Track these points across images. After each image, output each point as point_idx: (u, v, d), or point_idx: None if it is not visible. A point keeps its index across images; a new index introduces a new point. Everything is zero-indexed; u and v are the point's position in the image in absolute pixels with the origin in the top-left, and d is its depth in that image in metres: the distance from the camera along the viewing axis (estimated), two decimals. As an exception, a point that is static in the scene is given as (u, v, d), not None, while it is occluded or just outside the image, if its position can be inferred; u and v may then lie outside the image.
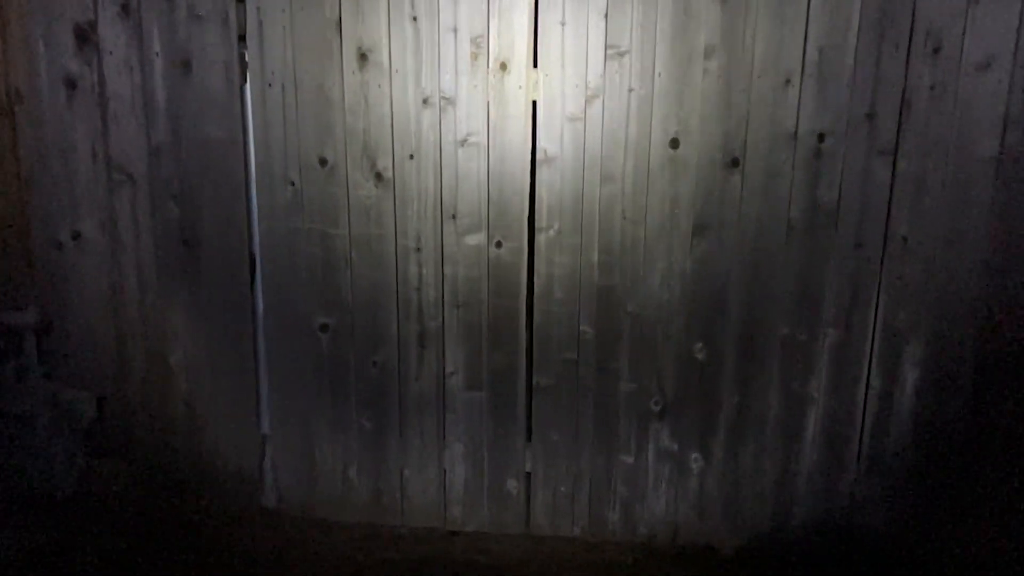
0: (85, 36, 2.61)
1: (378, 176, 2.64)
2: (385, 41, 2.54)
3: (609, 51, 2.49)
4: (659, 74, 2.49)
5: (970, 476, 2.66)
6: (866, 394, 2.66)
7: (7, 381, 2.35)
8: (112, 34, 2.61)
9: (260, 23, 2.56)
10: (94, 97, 2.66)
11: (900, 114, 2.45)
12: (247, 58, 2.60)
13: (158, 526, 2.81)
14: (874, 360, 2.63)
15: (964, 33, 2.38)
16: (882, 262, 2.56)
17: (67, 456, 2.42)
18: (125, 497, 2.83)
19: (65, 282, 2.76)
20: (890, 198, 2.51)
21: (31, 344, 2.46)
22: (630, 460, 2.79)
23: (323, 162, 2.65)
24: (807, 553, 2.77)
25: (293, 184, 2.67)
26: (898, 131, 2.46)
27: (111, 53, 2.62)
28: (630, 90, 2.51)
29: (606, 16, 2.46)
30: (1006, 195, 2.46)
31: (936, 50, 2.40)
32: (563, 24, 2.48)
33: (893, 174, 2.49)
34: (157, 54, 2.62)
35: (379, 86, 2.57)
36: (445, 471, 2.87)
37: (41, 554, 2.55)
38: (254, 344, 2.83)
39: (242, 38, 2.59)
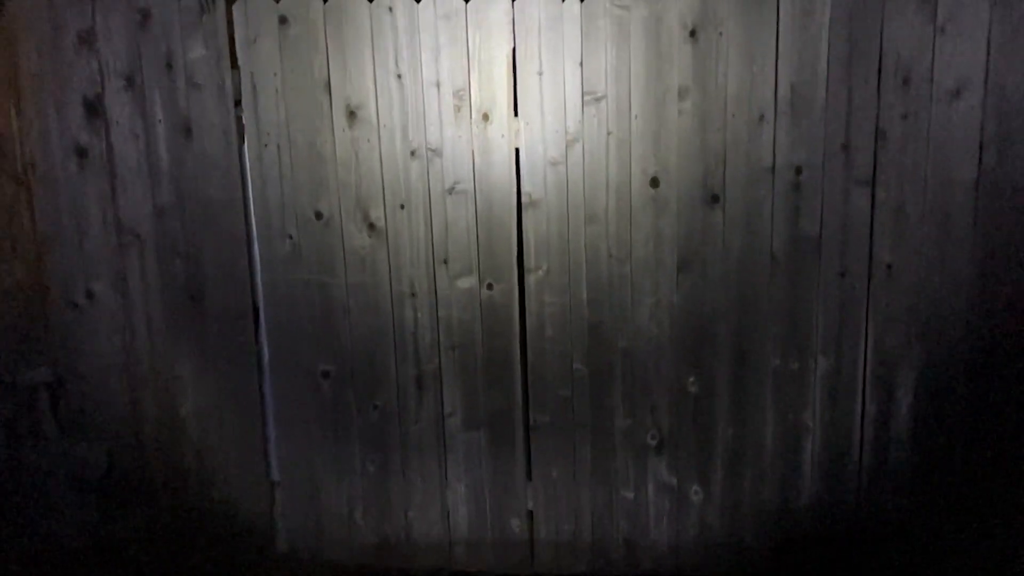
0: (93, 108, 2.77)
1: (371, 226, 2.74)
2: (372, 98, 2.66)
3: (586, 97, 2.58)
4: (635, 116, 2.57)
5: (972, 494, 2.63)
6: (862, 420, 2.66)
7: (22, 438, 2.47)
8: (118, 105, 2.77)
9: (254, 87, 2.70)
10: (103, 164, 2.81)
11: (875, 144, 2.49)
12: (243, 121, 2.74)
13: (177, 573, 2.90)
14: (867, 386, 2.64)
15: (932, 62, 2.42)
16: (868, 289, 2.58)
17: (80, 509, 2.53)
18: (139, 548, 2.92)
19: (79, 340, 2.89)
20: (871, 226, 2.54)
21: (44, 401, 2.58)
22: (630, 495, 2.82)
23: (319, 216, 2.76)
24: (814, 584, 2.76)
25: (291, 238, 2.79)
26: (874, 161, 2.50)
27: (118, 123, 2.78)
28: (608, 133, 2.59)
29: (581, 64, 2.56)
30: (986, 217, 2.47)
31: (906, 80, 2.44)
32: (540, 74, 2.58)
33: (872, 203, 2.52)
34: (160, 121, 2.76)
35: (368, 141, 2.69)
36: (448, 511, 2.91)
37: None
38: (260, 392, 2.93)
39: (238, 103, 2.72)
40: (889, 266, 2.55)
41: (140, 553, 2.90)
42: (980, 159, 2.45)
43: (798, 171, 2.53)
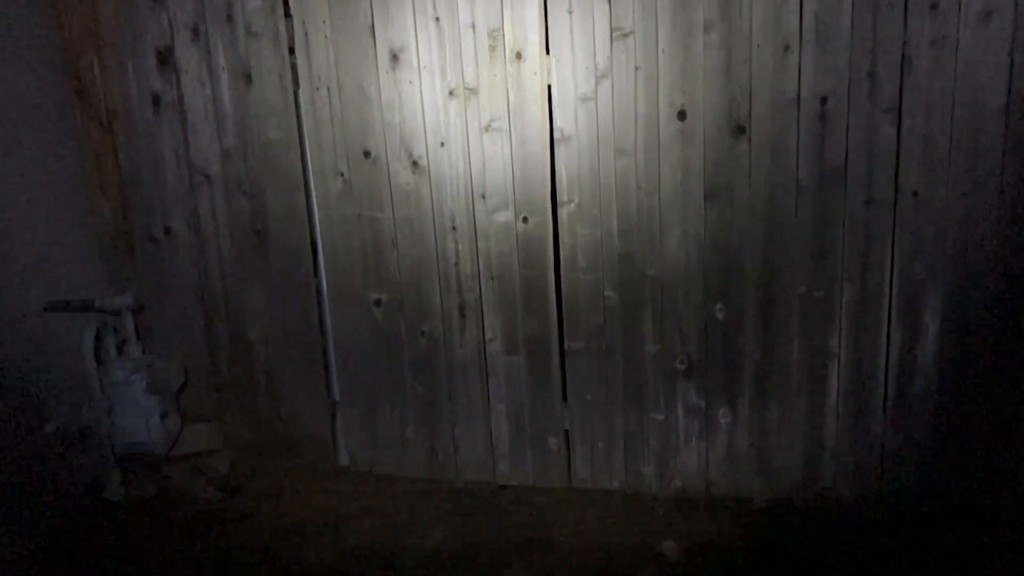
0: (165, 58, 3.04)
1: (414, 164, 2.93)
2: (413, 41, 2.83)
3: (614, 33, 2.67)
4: (663, 51, 2.65)
5: (998, 421, 2.67)
6: (888, 346, 2.72)
7: (111, 353, 2.81)
8: (186, 55, 3.03)
9: (306, 35, 2.90)
10: (175, 110, 3.09)
11: (901, 71, 2.50)
12: (297, 67, 2.95)
13: (247, 480, 3.24)
14: (893, 313, 2.69)
15: (961, -14, 2.41)
16: (894, 217, 2.61)
17: (161, 418, 2.86)
18: (214, 455, 3.26)
19: (158, 270, 3.22)
20: (897, 154, 2.56)
21: (129, 322, 2.91)
22: (661, 417, 2.97)
23: (367, 154, 2.96)
24: (838, 503, 2.86)
25: (343, 175, 3.01)
26: (900, 88, 2.51)
27: (186, 71, 3.04)
28: (636, 68, 2.68)
29: (609, 1, 2.65)
30: (1017, 144, 2.47)
31: (934, 5, 2.44)
32: (570, 12, 2.68)
33: (899, 130, 2.55)
34: (223, 69, 3.01)
35: (410, 82, 2.86)
36: (491, 430, 3.14)
37: (147, 502, 3.02)
38: (320, 320, 3.20)
39: (291, 50, 2.94)
40: (915, 193, 2.58)
41: (215, 460, 3.24)
42: (1010, 85, 2.44)
43: (823, 100, 2.57)
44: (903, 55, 2.49)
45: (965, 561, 2.53)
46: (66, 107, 3.09)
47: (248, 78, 3.00)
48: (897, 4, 2.46)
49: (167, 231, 3.20)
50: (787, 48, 2.56)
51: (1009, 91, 2.44)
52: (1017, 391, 2.63)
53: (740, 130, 2.65)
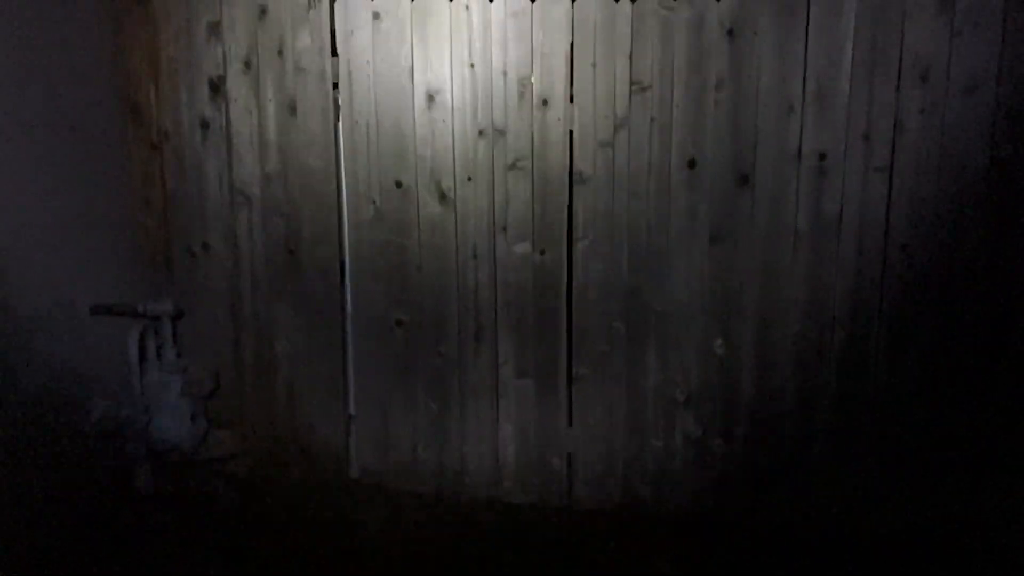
0: (216, 87, 3.29)
1: (443, 196, 3.16)
2: (448, 84, 3.08)
3: (633, 87, 2.93)
4: (677, 105, 2.90)
5: (971, 473, 2.86)
6: (874, 384, 2.92)
7: (150, 355, 3.00)
8: (236, 85, 3.28)
9: (350, 73, 3.16)
10: (222, 135, 3.33)
11: (893, 135, 2.75)
12: (339, 102, 3.20)
13: (262, 487, 3.41)
14: (878, 354, 2.90)
15: (949, 61, 2.67)
16: (883, 267, 2.84)
17: (192, 420, 3.04)
18: (234, 460, 3.43)
19: (195, 282, 3.43)
20: (888, 210, 2.80)
21: (167, 327, 3.11)
22: (659, 443, 3.15)
23: (399, 185, 3.20)
24: (826, 531, 3.03)
25: (375, 203, 3.24)
26: (892, 150, 2.76)
27: (235, 100, 3.29)
28: (652, 119, 2.93)
29: (630, 57, 2.91)
30: (996, 206, 2.71)
31: (924, 77, 2.70)
32: (594, 65, 2.94)
33: (890, 188, 2.79)
34: (270, 100, 3.26)
35: (443, 121, 3.11)
36: (498, 449, 3.32)
37: (172, 498, 3.19)
38: (343, 336, 3.40)
39: (335, 86, 3.19)
40: (904, 247, 2.81)
41: (236, 464, 3.41)
42: (992, 153, 2.68)
43: (822, 157, 2.82)
44: (896, 120, 2.74)
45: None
46: (119, 126, 3.33)
47: (293, 110, 3.24)
48: (891, 73, 2.72)
49: (205, 246, 3.42)
50: (791, 108, 2.81)
51: (991, 159, 2.69)
52: (994, 446, 2.83)
53: (744, 180, 2.89)
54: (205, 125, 3.34)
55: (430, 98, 3.11)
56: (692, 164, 2.93)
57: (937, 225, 2.77)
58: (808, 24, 2.76)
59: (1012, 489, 2.84)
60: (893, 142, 2.76)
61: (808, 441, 3.01)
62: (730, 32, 2.82)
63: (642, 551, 2.97)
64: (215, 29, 3.25)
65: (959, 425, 2.87)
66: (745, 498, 3.10)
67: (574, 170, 3.04)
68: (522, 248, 3.14)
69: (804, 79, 2.79)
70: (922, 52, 2.69)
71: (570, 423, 3.24)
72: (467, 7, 3.01)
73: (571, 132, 3.02)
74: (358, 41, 3.13)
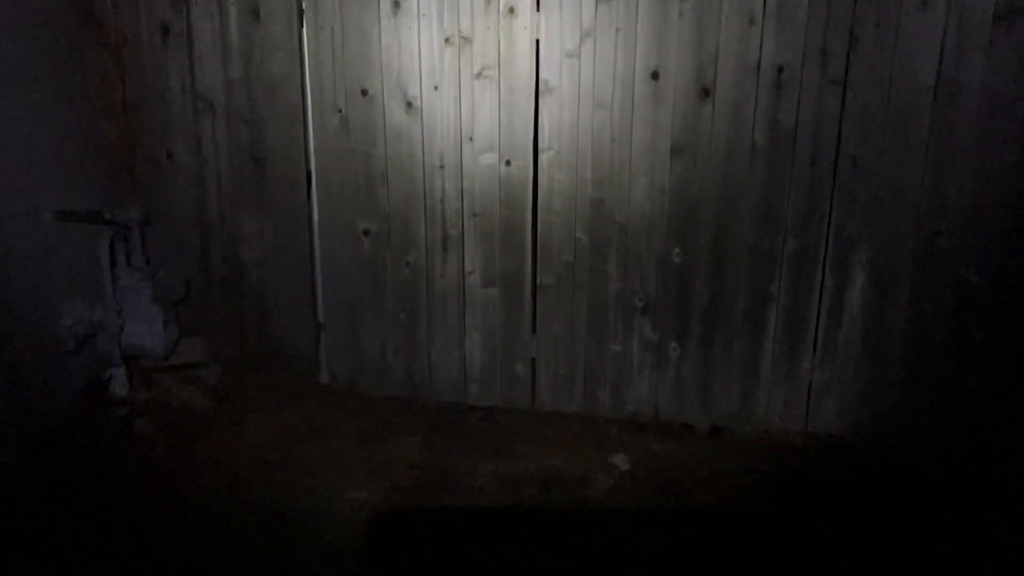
0: (176, -10, 3.22)
1: (409, 104, 3.18)
2: (414, -10, 3.07)
3: (599, -4, 2.96)
4: (642, 16, 2.94)
5: (913, 365, 3.08)
6: (821, 292, 3.09)
7: (120, 260, 3.02)
8: (197, -12, 3.21)
9: (313, -23, 3.12)
10: (183, 40, 3.27)
11: (848, 48, 2.84)
12: (304, 7, 3.16)
13: (235, 391, 3.49)
14: (827, 264, 3.06)
15: (904, -24, 2.75)
16: (834, 178, 2.97)
17: (164, 325, 3.09)
18: (204, 367, 3.50)
19: (161, 191, 3.42)
20: (840, 122, 2.91)
21: (136, 235, 3.12)
22: (618, 348, 3.31)
23: (364, 93, 3.20)
24: (771, 432, 3.25)
25: (340, 111, 3.24)
26: (847, 64, 2.85)
27: (197, 4, 3.23)
28: (617, 30, 2.97)
29: (597, -34, 2.92)
30: (942, 120, 2.84)
31: (880, -8, 2.78)
32: (561, -26, 2.96)
33: (843, 101, 2.89)
34: (232, 4, 3.20)
35: (409, 28, 3.10)
36: (465, 355, 3.44)
37: (145, 403, 3.26)
38: (311, 246, 3.44)
39: (299, -11, 3.16)
40: (854, 158, 2.93)
41: (204, 372, 3.49)
42: (939, 68, 2.79)
43: (780, 70, 2.90)
44: (851, 34, 2.82)
45: (872, 487, 2.94)
46: (75, 31, 3.24)
47: (256, 14, 3.20)
48: (849, -11, 2.79)
49: (169, 155, 3.40)
50: (751, 21, 2.87)
51: (938, 73, 2.80)
52: (928, 339, 3.03)
53: (705, 92, 2.97)
54: (165, 30, 3.28)
55: (396, 4, 3.09)
56: (655, 76, 2.99)
57: (886, 138, 2.90)
58: (772, -64, 2.80)
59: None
60: (848, 56, 2.85)
61: (758, 345, 3.18)
62: (696, -58, 2.85)
63: (601, 447, 3.15)
64: (173, -72, 3.16)
65: (895, 330, 3.06)
66: (697, 399, 3.29)
67: (540, 80, 3.07)
68: (488, 158, 3.19)
69: (766, -9, 2.85)
70: (880, -34, 2.76)
71: (534, 331, 3.37)
72: (433, -90, 2.97)
73: (537, 41, 3.04)
74: (322, -56, 3.08)
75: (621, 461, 3.05)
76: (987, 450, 3.00)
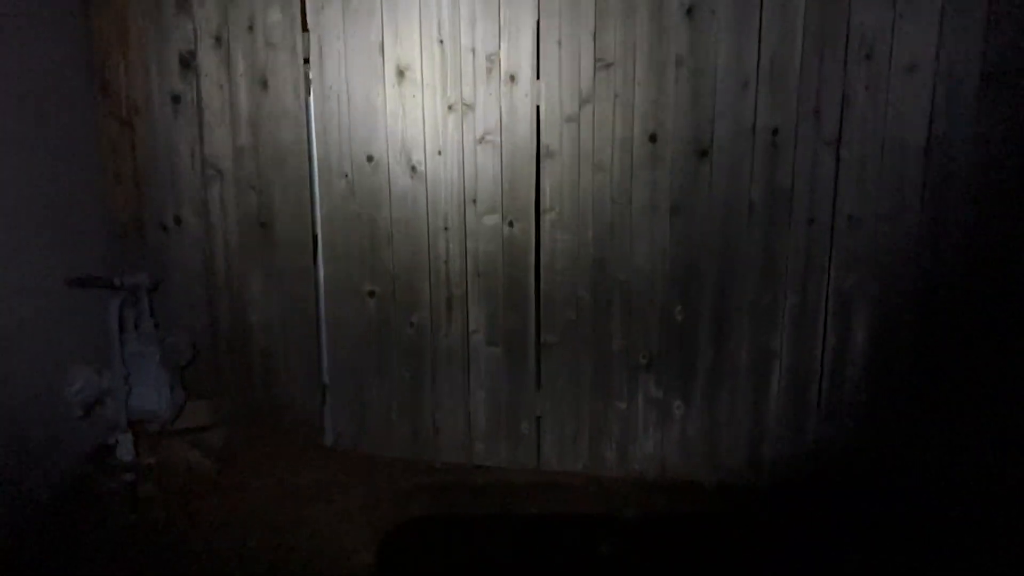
0: (187, 62, 3.33)
1: (413, 169, 3.26)
2: (418, 60, 3.17)
3: (598, 64, 3.05)
4: (639, 82, 3.03)
5: (916, 416, 3.08)
6: (823, 348, 3.12)
7: (128, 325, 3.05)
8: (207, 60, 3.32)
9: (320, 48, 3.22)
10: (193, 109, 3.37)
11: (841, 110, 2.92)
12: (310, 76, 3.26)
13: (241, 454, 3.49)
14: (829, 319, 3.09)
15: (892, 41, 2.84)
16: (832, 236, 3.02)
17: (171, 390, 3.11)
18: (209, 431, 3.50)
19: (169, 255, 3.48)
20: (836, 181, 2.98)
21: (144, 299, 3.16)
22: (623, 406, 3.32)
23: (370, 159, 3.28)
24: (778, 487, 3.23)
25: (347, 176, 3.32)
26: (840, 124, 2.93)
27: (207, 75, 3.33)
28: (615, 95, 3.06)
29: (594, 35, 3.02)
30: (934, 177, 2.90)
31: (868, 56, 2.87)
32: (560, 43, 3.05)
33: (837, 161, 2.96)
34: (242, 74, 3.31)
35: (413, 96, 3.20)
36: (470, 414, 3.45)
37: (150, 468, 3.25)
38: (317, 308, 3.48)
39: (307, 60, 3.25)
40: (850, 216, 2.99)
41: (210, 436, 3.49)
42: (930, 128, 2.87)
43: (775, 132, 2.98)
44: (843, 96, 2.91)
45: (881, 534, 2.92)
46: (88, 100, 3.35)
47: (264, 84, 3.30)
48: (839, 52, 2.88)
49: (177, 220, 3.46)
50: (746, 85, 2.96)
51: (928, 133, 2.88)
52: (934, 389, 3.05)
53: (703, 154, 3.04)
54: (176, 99, 3.37)
55: (400, 73, 3.19)
56: (653, 139, 3.07)
57: (881, 196, 2.96)
58: (762, 4, 2.90)
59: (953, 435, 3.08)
60: (841, 117, 2.93)
61: (762, 402, 3.19)
62: (689, 11, 2.96)
63: (608, 506, 3.14)
64: (184, 4, 3.28)
65: (903, 383, 3.08)
66: (703, 456, 3.29)
67: (541, 144, 3.15)
68: (491, 220, 3.25)
69: (758, 57, 2.94)
70: (867, 32, 2.86)
71: (539, 388, 3.38)
72: (436, -15, 3.09)
73: (538, 107, 3.13)
74: (328, 16, 3.19)
75: (629, 519, 3.03)
76: (1000, 500, 2.99)
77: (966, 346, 2.99)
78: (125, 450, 2.91)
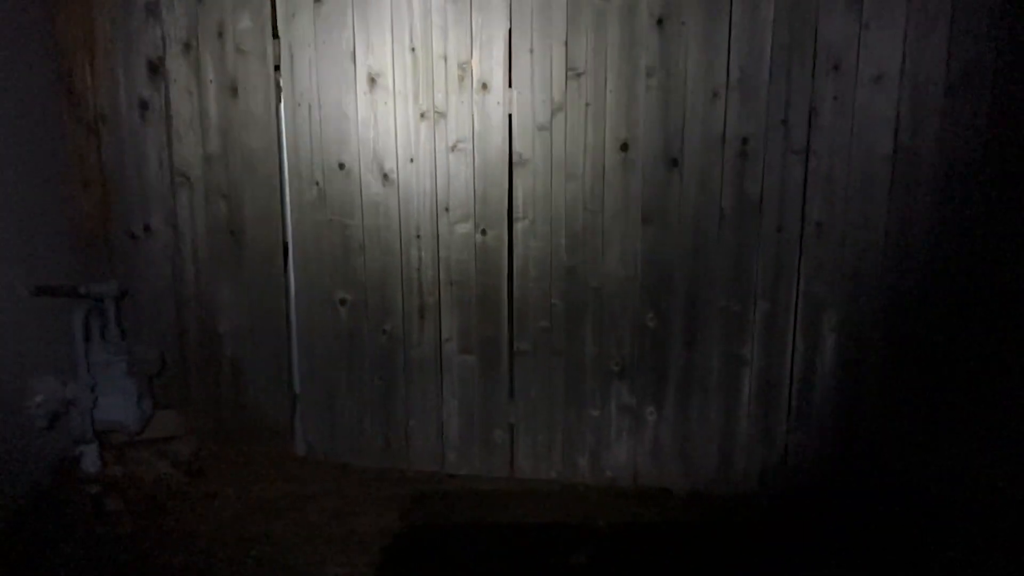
0: (155, 68, 3.29)
1: (385, 177, 3.25)
2: (390, 68, 3.16)
3: (569, 73, 3.06)
4: (610, 91, 3.05)
5: (885, 421, 3.12)
6: (793, 355, 3.15)
7: (95, 335, 3.00)
8: (176, 66, 3.28)
9: (291, 55, 3.20)
10: (161, 116, 3.33)
11: (809, 120, 2.96)
12: (281, 83, 3.24)
13: (210, 465, 3.44)
14: (798, 326, 3.12)
15: (858, 53, 2.89)
16: (800, 244, 3.06)
17: (138, 400, 3.06)
18: (178, 441, 3.46)
19: (137, 264, 3.43)
20: (804, 190, 3.01)
21: (111, 308, 3.11)
22: (596, 413, 3.32)
23: (341, 166, 3.26)
24: (749, 494, 3.26)
25: (318, 184, 3.30)
26: (808, 134, 2.97)
27: (175, 81, 3.29)
28: (587, 104, 3.07)
29: (566, 44, 3.04)
30: (901, 187, 2.95)
31: (836, 67, 2.91)
32: (531, 51, 3.06)
33: (806, 170, 3.00)
34: (211, 81, 3.28)
35: (385, 103, 3.19)
36: (443, 423, 3.43)
37: (116, 479, 3.20)
38: (287, 316, 3.45)
39: (277, 68, 3.23)
40: (819, 224, 3.03)
41: (178, 446, 3.44)
42: (895, 138, 2.92)
43: (744, 141, 3.01)
44: (811, 106, 2.95)
45: (854, 541, 2.95)
46: (54, 106, 3.29)
47: (234, 91, 3.27)
48: (807, 63, 2.92)
49: (146, 228, 3.42)
50: (715, 95, 2.99)
51: (894, 142, 2.93)
52: (902, 396, 3.09)
53: (674, 163, 3.06)
54: (144, 106, 3.33)
55: (372, 81, 3.18)
56: (625, 147, 3.08)
57: (848, 204, 3.00)
58: (731, 15, 2.94)
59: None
60: (809, 126, 2.97)
61: (733, 410, 3.22)
62: (659, 21, 2.98)
63: (581, 513, 3.14)
64: (153, 10, 3.24)
65: (873, 389, 3.12)
66: (675, 464, 3.30)
67: (513, 152, 3.15)
68: (464, 228, 3.25)
69: (728, 67, 2.97)
70: (834, 43, 2.90)
71: (512, 396, 3.38)
72: (408, -8, 3.09)
73: (510, 116, 3.13)
74: (300, 23, 3.17)
75: (602, 528, 3.03)
76: (969, 508, 3.03)
77: (935, 350, 3.04)
78: (90, 461, 2.86)
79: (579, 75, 3.06)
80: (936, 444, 3.09)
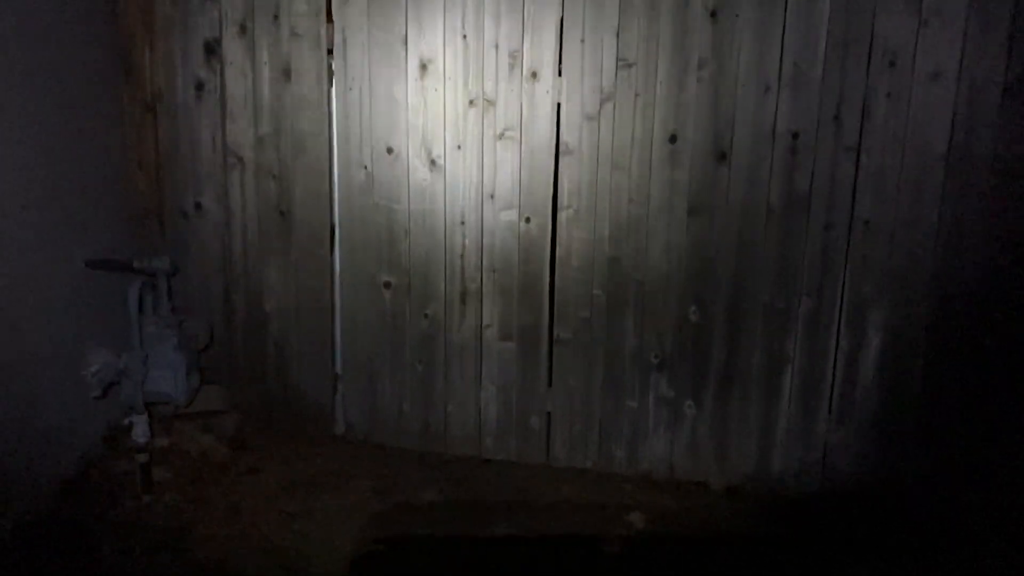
0: (212, 49, 3.35)
1: (432, 162, 3.28)
2: (441, 54, 3.18)
3: (620, 63, 3.06)
4: (660, 82, 3.04)
5: (928, 424, 3.08)
6: (836, 353, 3.12)
7: (147, 308, 3.08)
8: (232, 48, 3.34)
9: (344, 40, 3.24)
10: (216, 97, 3.39)
11: (862, 116, 2.92)
12: (333, 67, 3.29)
13: (252, 440, 3.52)
14: (842, 325, 3.09)
15: (915, 50, 2.85)
16: (848, 241, 3.03)
17: (186, 372, 3.14)
18: (222, 416, 3.54)
19: (188, 242, 3.51)
20: (854, 187, 2.98)
21: (164, 283, 3.19)
22: (634, 404, 3.33)
23: (390, 151, 3.30)
24: (786, 491, 3.24)
25: (366, 168, 3.34)
26: (860, 131, 2.94)
27: (231, 63, 3.36)
28: (636, 95, 3.07)
29: (617, 34, 3.04)
30: (954, 187, 2.90)
31: (892, 64, 2.87)
32: (582, 41, 3.07)
33: (857, 167, 2.97)
34: (265, 64, 3.33)
35: (435, 90, 3.21)
36: (481, 408, 3.47)
37: (162, 450, 3.29)
38: (332, 297, 3.51)
39: (330, 51, 3.27)
40: (867, 222, 2.99)
41: (222, 421, 3.52)
42: (951, 137, 2.87)
43: (795, 136, 2.98)
44: (864, 103, 2.91)
45: (891, 543, 2.92)
46: (113, 87, 3.38)
47: (288, 74, 3.32)
48: (862, 59, 2.88)
49: (198, 207, 3.49)
50: (767, 89, 2.97)
51: (950, 141, 2.88)
52: (945, 397, 3.05)
53: (722, 156, 3.05)
54: (200, 87, 3.40)
55: (423, 67, 3.21)
56: (673, 139, 3.08)
57: (899, 203, 2.96)
58: (786, 9, 2.91)
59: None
60: (862, 124, 2.93)
61: (773, 404, 3.20)
62: (713, 13, 2.96)
63: (616, 504, 3.15)
64: (211, -8, 3.31)
65: (916, 391, 3.08)
66: (712, 458, 3.30)
67: (560, 142, 3.16)
68: (508, 216, 3.27)
69: (780, 61, 2.95)
70: (891, 40, 2.86)
71: (550, 385, 3.40)
72: (461, -20, 3.11)
73: (558, 105, 3.14)
74: (354, 8, 3.21)
75: (637, 519, 3.04)
76: (1012, 514, 2.99)
77: (984, 354, 2.99)
78: (140, 431, 2.93)
79: (629, 65, 3.05)
80: (981, 449, 3.05)
